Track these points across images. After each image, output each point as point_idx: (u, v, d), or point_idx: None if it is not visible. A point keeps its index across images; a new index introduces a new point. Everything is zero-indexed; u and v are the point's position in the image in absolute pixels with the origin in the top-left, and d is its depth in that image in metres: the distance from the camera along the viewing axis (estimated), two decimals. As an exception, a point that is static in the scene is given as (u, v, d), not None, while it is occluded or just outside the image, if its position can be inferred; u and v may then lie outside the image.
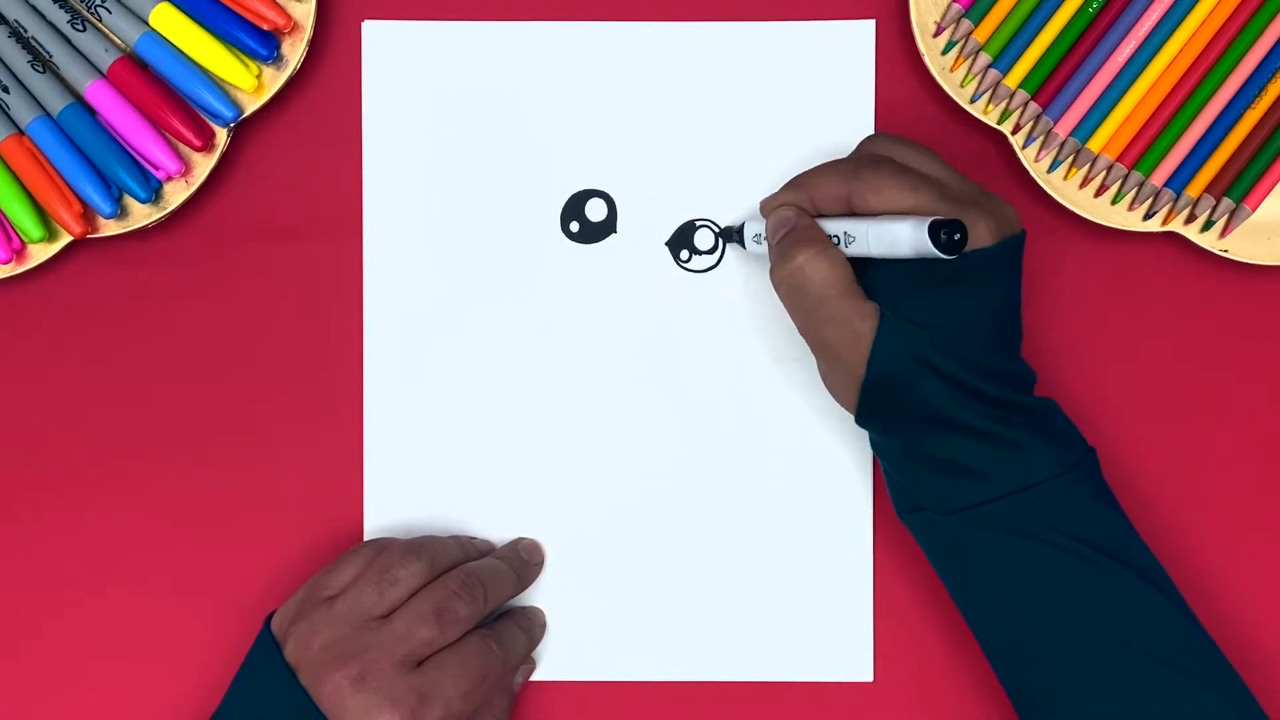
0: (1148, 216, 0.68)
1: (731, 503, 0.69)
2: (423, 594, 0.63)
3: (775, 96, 0.69)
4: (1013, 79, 0.67)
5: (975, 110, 0.67)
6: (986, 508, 0.59)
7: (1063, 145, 0.67)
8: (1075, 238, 0.69)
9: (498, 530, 0.69)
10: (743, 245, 0.67)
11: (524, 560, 0.68)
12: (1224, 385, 0.69)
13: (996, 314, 0.59)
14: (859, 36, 0.69)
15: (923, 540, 0.62)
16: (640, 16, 0.69)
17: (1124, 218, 0.68)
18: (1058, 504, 0.59)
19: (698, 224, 0.69)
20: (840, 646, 0.69)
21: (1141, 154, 0.67)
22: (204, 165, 0.67)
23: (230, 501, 0.69)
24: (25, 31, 0.66)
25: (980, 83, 0.67)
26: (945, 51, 0.67)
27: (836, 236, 0.60)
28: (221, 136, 0.67)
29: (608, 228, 0.69)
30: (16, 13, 0.66)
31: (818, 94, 0.69)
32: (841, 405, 0.62)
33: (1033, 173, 0.67)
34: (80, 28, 0.66)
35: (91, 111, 0.67)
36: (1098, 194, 0.68)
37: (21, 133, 0.66)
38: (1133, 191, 0.67)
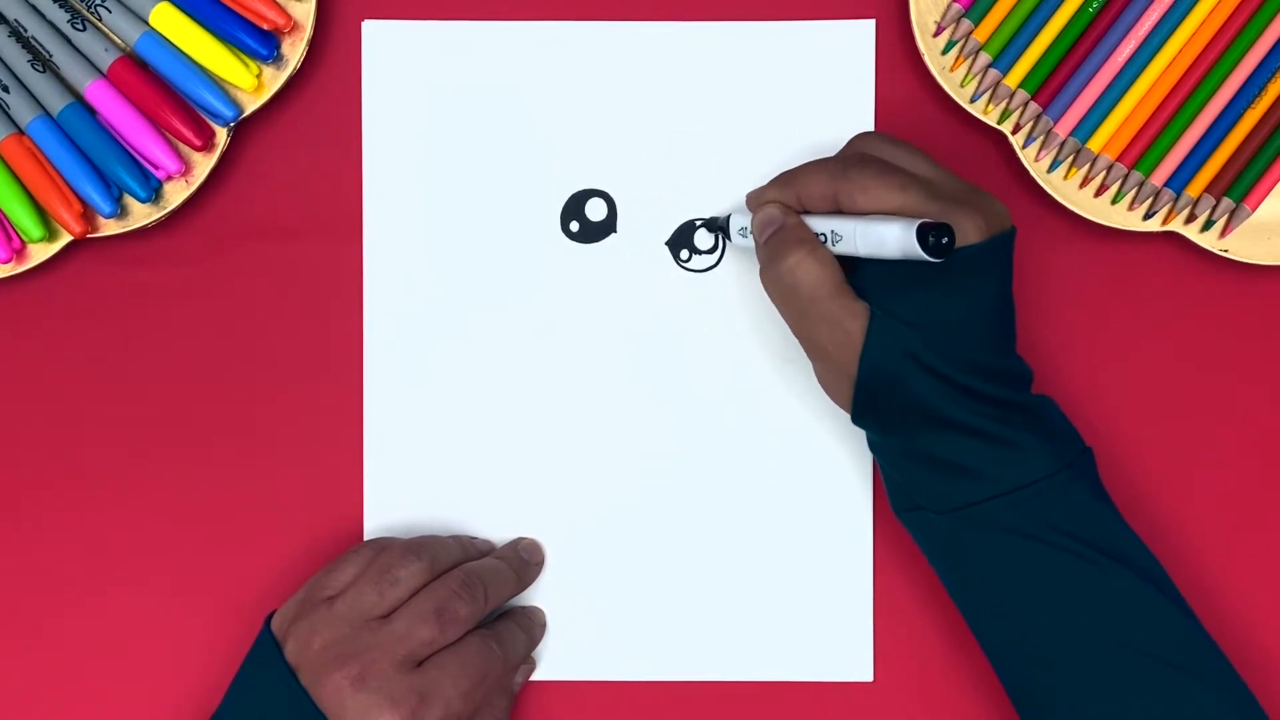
0: (1148, 216, 0.68)
1: (731, 502, 0.69)
2: (423, 594, 0.63)
3: (775, 96, 0.69)
4: (1013, 79, 0.67)
5: (975, 110, 0.67)
6: (983, 506, 0.59)
7: (1063, 145, 0.67)
8: (1075, 237, 0.69)
9: (498, 530, 0.69)
10: (728, 238, 0.67)
11: (524, 560, 0.68)
12: (1223, 385, 0.69)
13: (987, 311, 0.59)
14: (859, 36, 0.69)
15: (921, 539, 0.62)
16: (640, 16, 0.69)
17: (1124, 218, 0.67)
18: (1055, 503, 0.59)
19: (698, 224, 0.69)
20: (840, 646, 0.69)
21: (1141, 154, 0.67)
22: (204, 165, 0.67)
23: (230, 501, 0.69)
24: (25, 31, 0.66)
25: (980, 82, 0.67)
26: (945, 51, 0.67)
27: (823, 235, 0.60)
28: (221, 136, 0.67)
29: (608, 227, 0.69)
30: (16, 12, 0.66)
31: (818, 94, 0.69)
32: (837, 404, 0.62)
33: (1033, 172, 0.67)
34: (80, 27, 0.66)
35: (91, 111, 0.67)
36: (1098, 194, 0.68)
37: (21, 132, 0.66)
38: (1133, 191, 0.67)
